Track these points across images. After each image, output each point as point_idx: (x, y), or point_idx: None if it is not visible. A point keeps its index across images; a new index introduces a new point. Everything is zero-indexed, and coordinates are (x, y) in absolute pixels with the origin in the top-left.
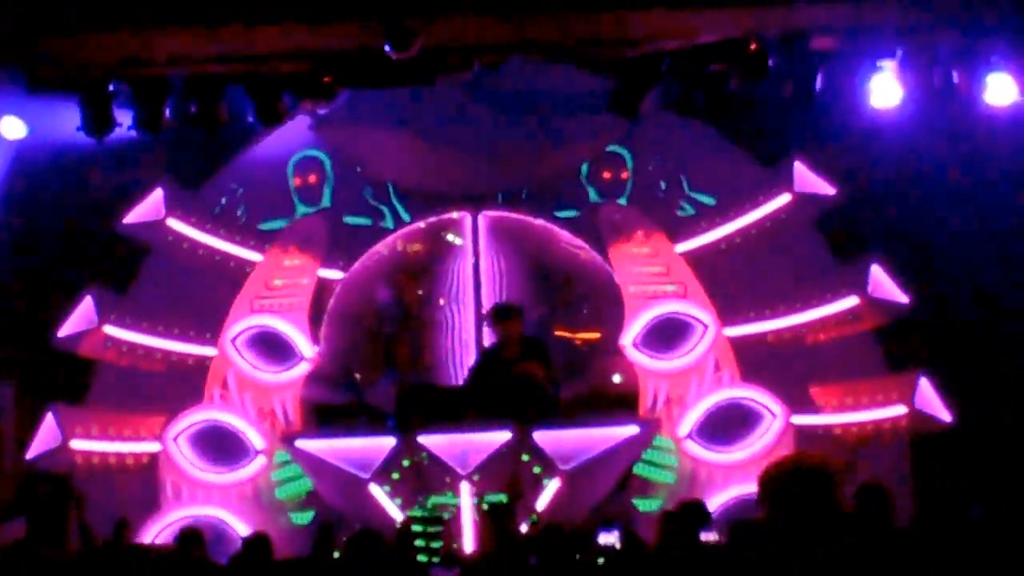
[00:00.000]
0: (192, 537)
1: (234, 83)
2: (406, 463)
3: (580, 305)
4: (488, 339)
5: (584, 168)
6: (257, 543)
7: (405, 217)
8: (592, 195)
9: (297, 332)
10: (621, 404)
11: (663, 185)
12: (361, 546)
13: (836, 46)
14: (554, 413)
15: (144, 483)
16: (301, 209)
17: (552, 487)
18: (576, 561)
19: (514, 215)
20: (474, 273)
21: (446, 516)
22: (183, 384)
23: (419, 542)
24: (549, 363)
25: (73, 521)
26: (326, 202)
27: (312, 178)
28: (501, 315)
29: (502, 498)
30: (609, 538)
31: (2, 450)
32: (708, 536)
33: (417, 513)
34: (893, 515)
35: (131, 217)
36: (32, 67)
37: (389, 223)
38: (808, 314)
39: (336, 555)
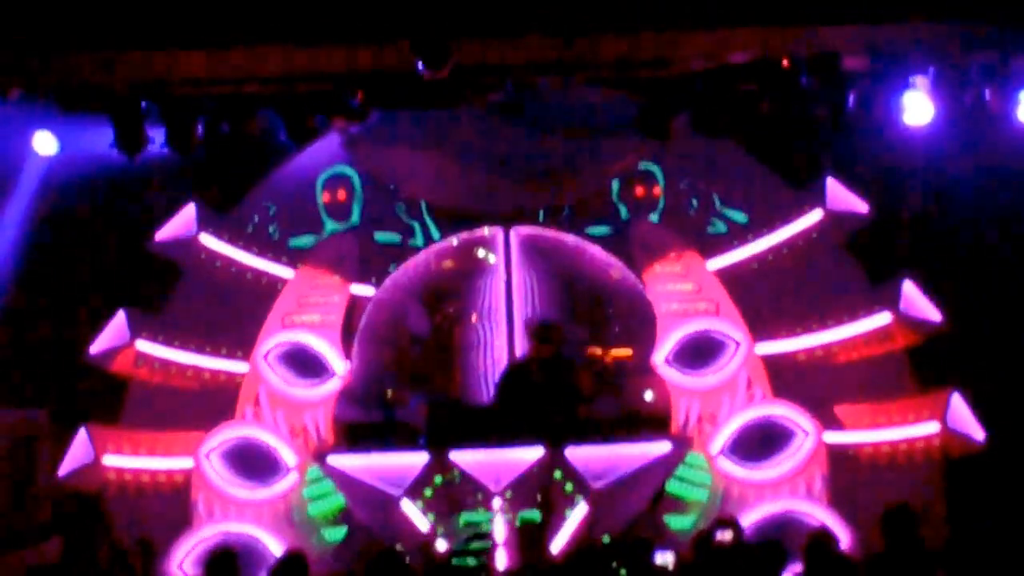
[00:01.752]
0: (226, 558)
1: (266, 102)
2: (438, 480)
3: (612, 323)
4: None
5: (615, 186)
6: (294, 561)
7: (435, 234)
8: (624, 213)
9: (329, 348)
10: (653, 422)
11: (694, 202)
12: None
13: (867, 65)
14: (582, 432)
15: (176, 500)
16: (330, 226)
17: (583, 505)
18: None
19: (546, 232)
20: (506, 290)
21: (476, 534)
22: (215, 401)
23: (457, 561)
24: (574, 387)
25: (104, 542)
26: (355, 219)
27: (341, 195)
28: (541, 335)
29: (535, 516)
30: (665, 557)
31: (36, 473)
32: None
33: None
34: (919, 535)
35: (163, 234)
36: (65, 85)
37: (419, 240)
38: (840, 331)
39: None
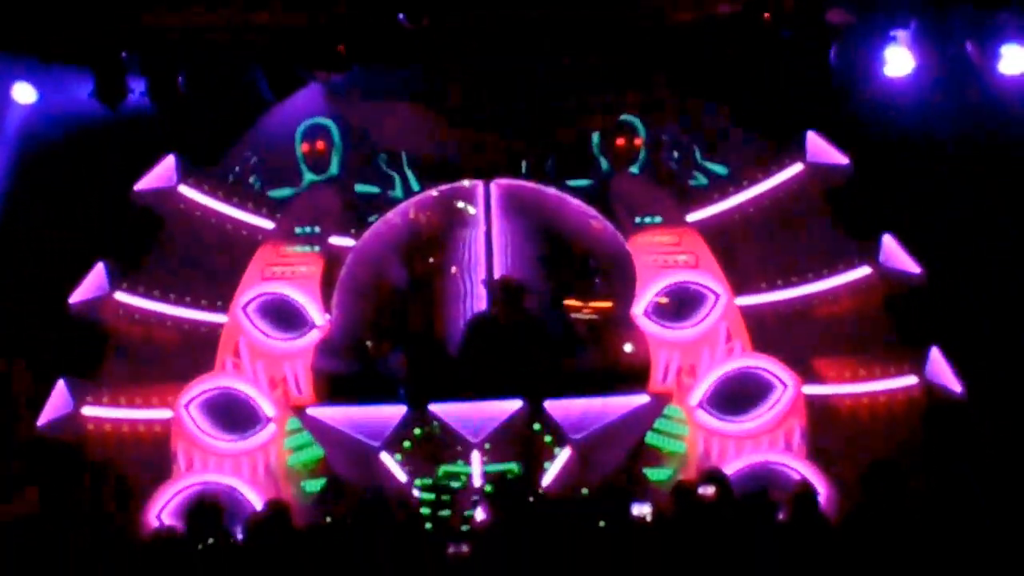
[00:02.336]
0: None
1: (248, 53)
2: (417, 432)
3: (592, 275)
4: None
5: (596, 138)
6: (276, 511)
7: (415, 186)
8: (604, 165)
9: (308, 300)
10: (632, 374)
11: (675, 155)
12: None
13: (849, 19)
14: (562, 384)
15: (155, 451)
16: (308, 176)
17: (563, 457)
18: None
19: (527, 184)
20: (486, 242)
21: (455, 486)
22: (195, 353)
23: (425, 511)
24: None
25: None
26: (334, 170)
27: (320, 146)
28: (502, 296)
29: (513, 469)
30: (643, 509)
31: (16, 424)
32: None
33: (426, 484)
34: (904, 491)
35: (143, 184)
36: (45, 35)
37: (399, 192)
38: (820, 284)
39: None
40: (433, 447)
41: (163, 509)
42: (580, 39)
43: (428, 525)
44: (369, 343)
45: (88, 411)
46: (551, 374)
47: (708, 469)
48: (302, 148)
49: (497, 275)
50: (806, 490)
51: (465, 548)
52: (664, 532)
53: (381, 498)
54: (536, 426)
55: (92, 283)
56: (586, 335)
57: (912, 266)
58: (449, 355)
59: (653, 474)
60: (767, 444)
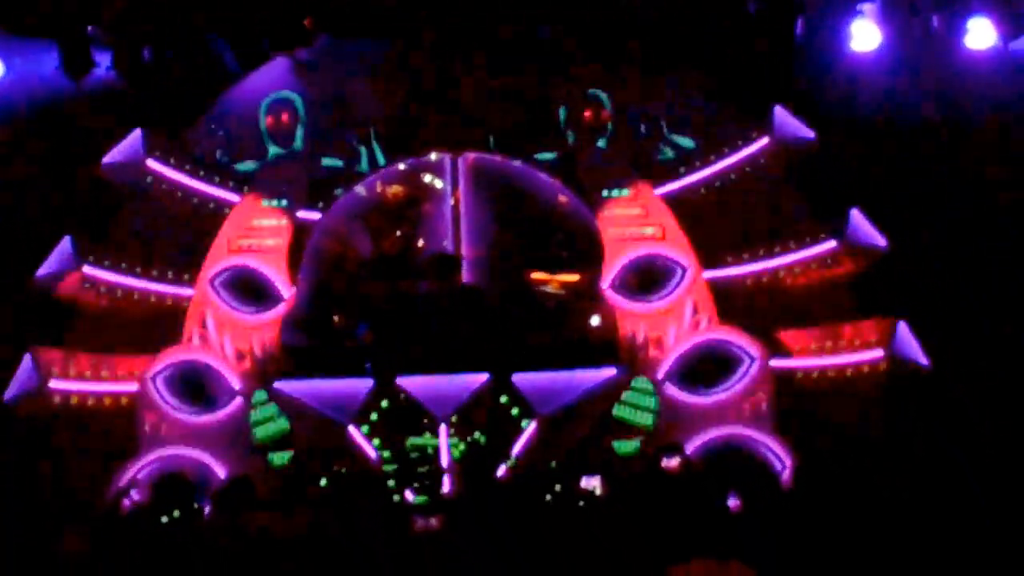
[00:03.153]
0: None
1: (214, 26)
2: (384, 404)
3: (559, 248)
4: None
5: (563, 112)
6: (240, 484)
7: (381, 160)
8: (571, 138)
9: (275, 273)
10: (599, 347)
11: (643, 128)
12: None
13: None
14: (529, 357)
15: (123, 424)
16: (272, 150)
17: (530, 429)
18: (554, 503)
19: (494, 158)
20: (453, 216)
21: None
22: (161, 325)
23: (391, 483)
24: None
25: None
26: (298, 144)
27: (284, 118)
28: (436, 269)
29: (480, 440)
30: (592, 482)
31: None
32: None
33: (392, 455)
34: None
35: (110, 157)
36: (11, 7)
37: (364, 166)
38: (787, 257)
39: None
40: (400, 420)
41: (130, 480)
42: (549, 11)
43: (396, 498)
44: (336, 316)
45: (55, 384)
46: (516, 347)
47: (668, 442)
48: (266, 121)
49: (464, 248)
50: (759, 469)
51: (434, 521)
52: (614, 505)
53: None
54: (503, 399)
55: (59, 257)
56: (552, 308)
57: (878, 239)
58: (415, 328)
59: (620, 446)
60: (733, 417)
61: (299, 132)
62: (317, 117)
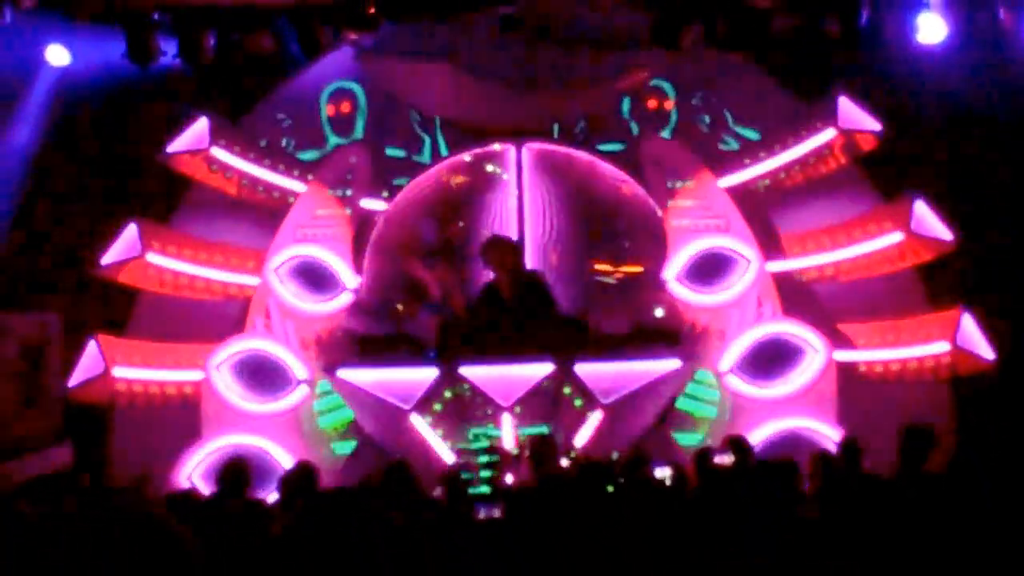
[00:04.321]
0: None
1: (278, 13)
2: (448, 394)
3: (623, 239)
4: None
5: (626, 103)
6: (305, 472)
7: (443, 150)
8: (635, 129)
9: (340, 262)
10: (663, 338)
11: (707, 119)
12: (400, 478)
13: None
14: (594, 347)
15: (186, 413)
16: (333, 140)
17: (593, 420)
18: (615, 495)
19: (558, 148)
20: (518, 205)
21: (482, 448)
22: (225, 314)
23: (466, 475)
24: (549, 298)
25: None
26: (358, 134)
27: (345, 108)
28: (489, 256)
29: (543, 431)
30: (663, 472)
31: (48, 379)
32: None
33: (471, 448)
34: (933, 457)
35: (175, 146)
36: None
37: (426, 156)
38: (852, 250)
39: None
40: (463, 409)
41: (193, 471)
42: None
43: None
44: (400, 305)
45: (119, 372)
46: (580, 337)
47: (729, 436)
48: (327, 111)
49: (529, 239)
50: (823, 459)
51: (497, 512)
52: (682, 497)
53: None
54: (567, 389)
55: (124, 244)
56: (616, 299)
57: (944, 232)
58: (480, 317)
59: (683, 438)
60: (797, 409)
61: (359, 122)
62: (379, 106)
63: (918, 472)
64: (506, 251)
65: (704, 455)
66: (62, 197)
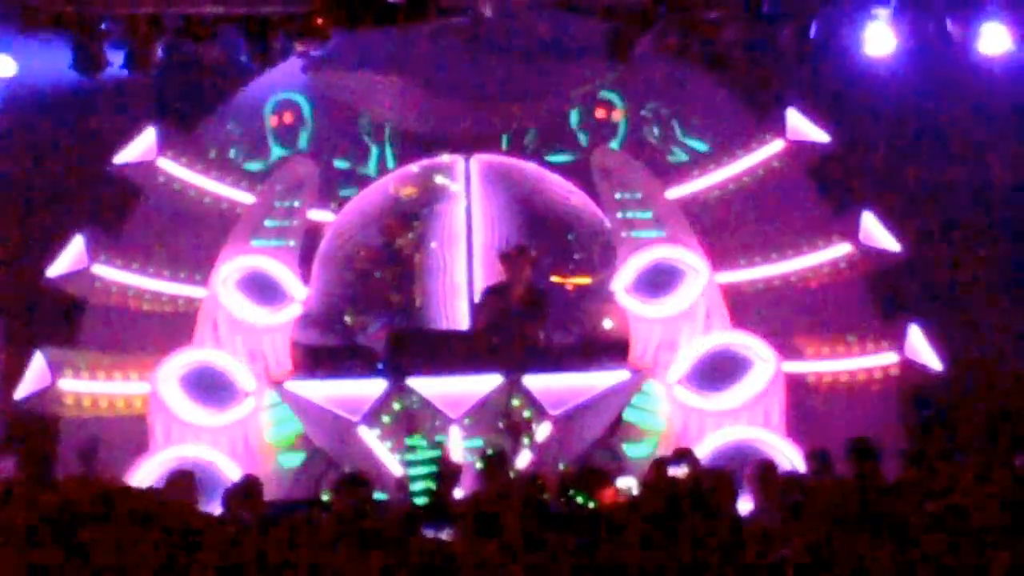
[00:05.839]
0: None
1: (227, 23)
2: (397, 406)
3: (572, 250)
4: (481, 282)
5: (575, 114)
6: (248, 486)
7: (390, 162)
8: (584, 140)
9: (288, 273)
10: (612, 350)
11: (655, 130)
12: (350, 490)
13: None
14: (541, 359)
15: (134, 425)
16: (276, 151)
17: (542, 432)
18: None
19: (507, 160)
20: (466, 217)
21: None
22: (173, 325)
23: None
24: (546, 316)
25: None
26: (302, 145)
27: (288, 119)
28: (512, 256)
29: (497, 445)
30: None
31: None
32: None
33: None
34: (880, 468)
35: (122, 157)
36: (24, 5)
37: (371, 168)
38: (799, 261)
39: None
40: (412, 422)
41: (140, 483)
42: (563, 9)
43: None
44: (348, 317)
45: (66, 384)
46: (529, 349)
47: (677, 449)
48: (271, 121)
49: (478, 250)
50: (765, 468)
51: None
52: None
53: (359, 476)
54: (515, 401)
55: (71, 256)
56: (565, 310)
57: (892, 244)
58: (428, 329)
59: (631, 449)
60: (746, 421)
61: (303, 134)
62: (324, 117)
63: (869, 483)
64: (528, 264)
65: (659, 468)
66: (8, 210)
